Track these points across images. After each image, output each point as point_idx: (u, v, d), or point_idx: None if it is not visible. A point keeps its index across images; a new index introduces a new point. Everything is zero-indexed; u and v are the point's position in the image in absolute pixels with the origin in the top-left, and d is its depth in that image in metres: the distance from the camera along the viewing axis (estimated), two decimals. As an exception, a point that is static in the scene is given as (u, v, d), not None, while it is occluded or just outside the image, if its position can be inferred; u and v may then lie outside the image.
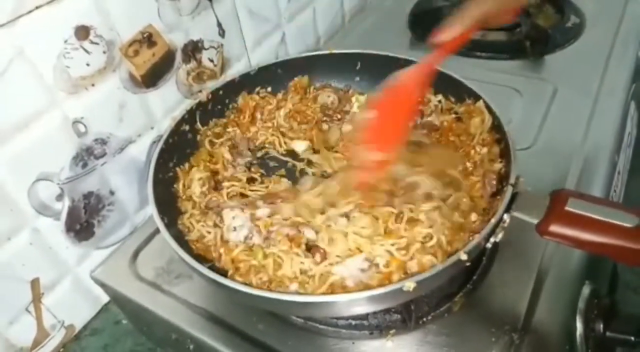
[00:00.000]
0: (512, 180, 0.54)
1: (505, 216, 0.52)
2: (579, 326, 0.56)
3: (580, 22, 1.03)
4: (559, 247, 0.61)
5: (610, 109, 0.83)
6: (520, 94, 0.86)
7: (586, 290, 0.58)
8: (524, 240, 0.62)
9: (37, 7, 0.54)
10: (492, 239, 0.52)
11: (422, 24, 1.09)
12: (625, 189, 0.94)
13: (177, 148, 0.68)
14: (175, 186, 0.66)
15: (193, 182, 0.65)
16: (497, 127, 0.63)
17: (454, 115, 0.70)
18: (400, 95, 0.59)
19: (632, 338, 0.55)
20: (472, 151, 0.64)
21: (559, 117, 0.82)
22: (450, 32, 0.55)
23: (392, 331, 0.56)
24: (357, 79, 0.80)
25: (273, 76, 0.77)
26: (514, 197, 0.52)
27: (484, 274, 0.60)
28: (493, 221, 0.50)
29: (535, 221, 0.51)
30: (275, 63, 0.77)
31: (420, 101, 0.69)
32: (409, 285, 0.46)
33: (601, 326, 0.57)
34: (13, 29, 0.53)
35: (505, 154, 0.59)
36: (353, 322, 0.57)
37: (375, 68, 0.77)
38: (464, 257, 0.48)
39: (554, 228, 0.49)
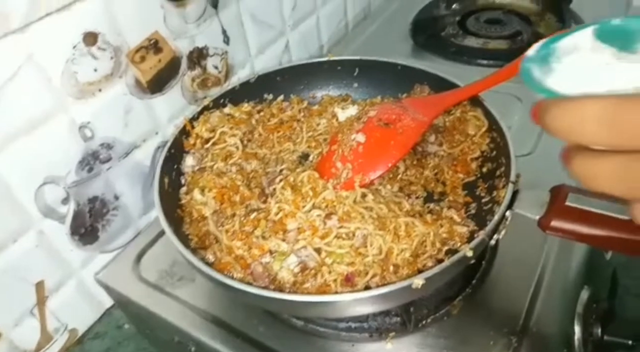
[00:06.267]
0: (512, 178, 0.55)
1: (508, 213, 0.53)
2: (577, 329, 0.56)
3: (581, 31, 1.04)
4: (558, 252, 0.62)
5: (609, 116, 0.83)
6: (521, 101, 0.87)
7: (585, 294, 0.59)
8: (523, 245, 0.62)
9: (47, 14, 0.55)
10: (495, 236, 0.53)
11: (424, 32, 1.11)
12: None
13: (181, 156, 0.68)
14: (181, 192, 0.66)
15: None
16: (495, 127, 0.64)
17: (453, 116, 0.70)
18: (404, 129, 0.60)
19: (630, 342, 0.56)
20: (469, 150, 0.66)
21: (558, 124, 0.82)
22: None
23: (391, 334, 0.56)
24: (356, 85, 0.81)
25: (272, 84, 0.78)
26: (515, 194, 0.53)
27: (483, 278, 0.61)
28: (496, 218, 0.51)
29: (537, 217, 0.52)
30: (275, 71, 0.78)
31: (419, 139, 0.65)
32: (418, 282, 0.46)
33: (599, 329, 0.57)
34: (24, 35, 0.54)
35: (504, 153, 0.60)
36: (353, 325, 0.57)
37: (373, 74, 0.79)
38: (469, 253, 0.48)
39: (556, 223, 0.50)
